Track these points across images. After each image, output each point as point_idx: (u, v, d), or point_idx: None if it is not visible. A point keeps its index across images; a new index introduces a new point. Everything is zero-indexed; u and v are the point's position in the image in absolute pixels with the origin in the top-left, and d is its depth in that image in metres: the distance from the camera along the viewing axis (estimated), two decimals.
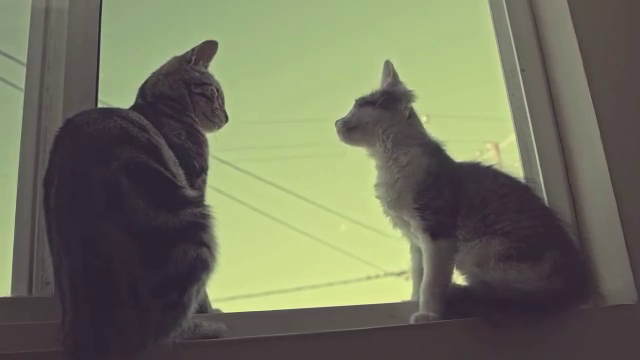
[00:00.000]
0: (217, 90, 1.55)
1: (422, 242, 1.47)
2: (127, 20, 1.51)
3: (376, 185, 1.57)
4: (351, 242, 1.98)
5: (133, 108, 1.42)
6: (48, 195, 1.16)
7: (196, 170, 1.37)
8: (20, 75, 1.52)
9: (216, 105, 1.53)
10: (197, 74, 1.53)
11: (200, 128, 1.47)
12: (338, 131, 1.58)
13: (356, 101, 1.60)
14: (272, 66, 2.14)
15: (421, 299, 1.42)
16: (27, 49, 1.53)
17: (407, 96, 1.59)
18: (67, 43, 1.51)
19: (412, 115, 1.60)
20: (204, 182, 1.41)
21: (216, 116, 1.53)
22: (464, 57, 2.26)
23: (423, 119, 2.45)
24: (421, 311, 1.40)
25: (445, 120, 2.33)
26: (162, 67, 1.53)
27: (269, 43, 2.16)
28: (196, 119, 1.48)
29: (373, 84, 1.67)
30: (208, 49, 1.55)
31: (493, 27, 2.04)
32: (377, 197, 1.56)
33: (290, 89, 1.96)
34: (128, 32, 1.52)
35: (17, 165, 1.47)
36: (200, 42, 1.54)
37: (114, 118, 1.22)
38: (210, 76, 1.55)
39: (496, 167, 1.58)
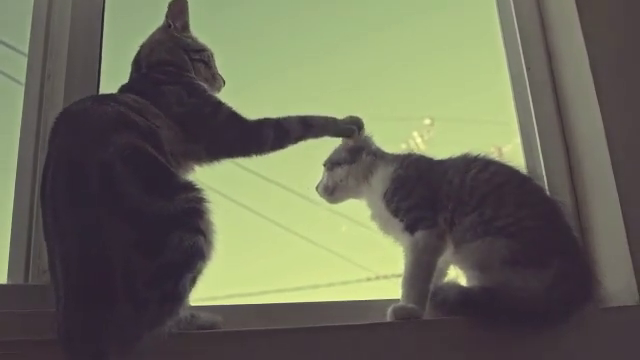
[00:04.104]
0: (212, 55, 1.56)
1: (404, 241, 1.48)
2: (131, 8, 1.52)
3: (371, 217, 1.60)
4: (351, 243, 1.97)
5: (129, 83, 1.42)
6: (45, 183, 1.16)
7: (211, 114, 1.38)
8: (21, 67, 1.52)
9: (214, 70, 1.55)
10: (189, 40, 1.53)
11: (200, 83, 1.46)
12: (322, 196, 1.63)
13: (325, 165, 1.65)
14: (284, 67, 2.14)
15: (401, 292, 1.41)
16: (29, 35, 1.53)
17: (367, 144, 1.63)
18: (70, 30, 1.51)
19: (376, 152, 1.63)
20: (229, 112, 1.41)
21: (216, 80, 1.55)
22: (469, 61, 2.26)
23: (426, 122, 2.45)
24: (400, 303, 1.38)
25: (449, 123, 2.33)
26: (150, 37, 1.52)
27: (279, 45, 2.17)
28: (195, 77, 1.48)
29: (379, 86, 1.66)
30: (176, 7, 1.53)
31: (500, 28, 2.05)
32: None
33: (301, 90, 1.96)
34: (131, 21, 1.52)
35: (16, 157, 1.47)
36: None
37: (111, 104, 1.22)
38: (200, 42, 1.56)
39: (487, 156, 1.56)
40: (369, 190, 1.57)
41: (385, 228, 1.55)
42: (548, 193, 1.55)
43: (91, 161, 1.10)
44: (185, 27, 1.54)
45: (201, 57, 1.52)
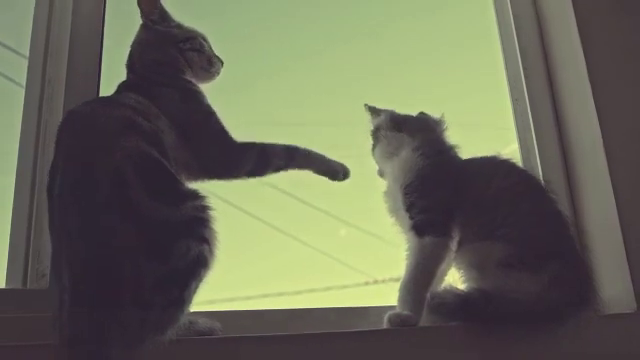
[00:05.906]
0: (203, 39, 1.51)
1: (410, 240, 1.45)
2: (132, 12, 1.51)
3: (383, 193, 1.58)
4: (350, 247, 1.97)
5: (127, 82, 1.41)
6: (53, 183, 1.15)
7: (199, 124, 1.36)
8: (21, 70, 1.53)
9: (209, 54, 1.50)
10: (175, 31, 1.48)
11: (194, 87, 1.44)
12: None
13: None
14: (277, 68, 2.14)
15: (398, 296, 1.39)
16: (30, 38, 1.53)
17: (385, 124, 1.63)
18: (70, 33, 1.51)
19: (399, 127, 1.61)
20: (218, 127, 1.38)
21: (213, 64, 1.51)
22: (467, 64, 2.26)
23: None
24: (396, 309, 1.37)
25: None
26: (137, 38, 1.47)
27: (276, 45, 2.16)
28: (190, 80, 1.45)
29: (377, 86, 1.66)
30: (144, 2, 1.47)
31: (498, 32, 2.05)
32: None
33: (299, 90, 1.96)
34: (132, 25, 1.52)
35: (15, 160, 1.47)
36: None
37: (117, 107, 1.22)
38: (186, 28, 1.50)
39: (512, 161, 1.55)
40: (391, 168, 1.56)
41: (395, 214, 1.52)
42: (558, 205, 1.51)
43: (101, 165, 1.11)
44: (164, 17, 1.48)
45: (192, 46, 1.47)
